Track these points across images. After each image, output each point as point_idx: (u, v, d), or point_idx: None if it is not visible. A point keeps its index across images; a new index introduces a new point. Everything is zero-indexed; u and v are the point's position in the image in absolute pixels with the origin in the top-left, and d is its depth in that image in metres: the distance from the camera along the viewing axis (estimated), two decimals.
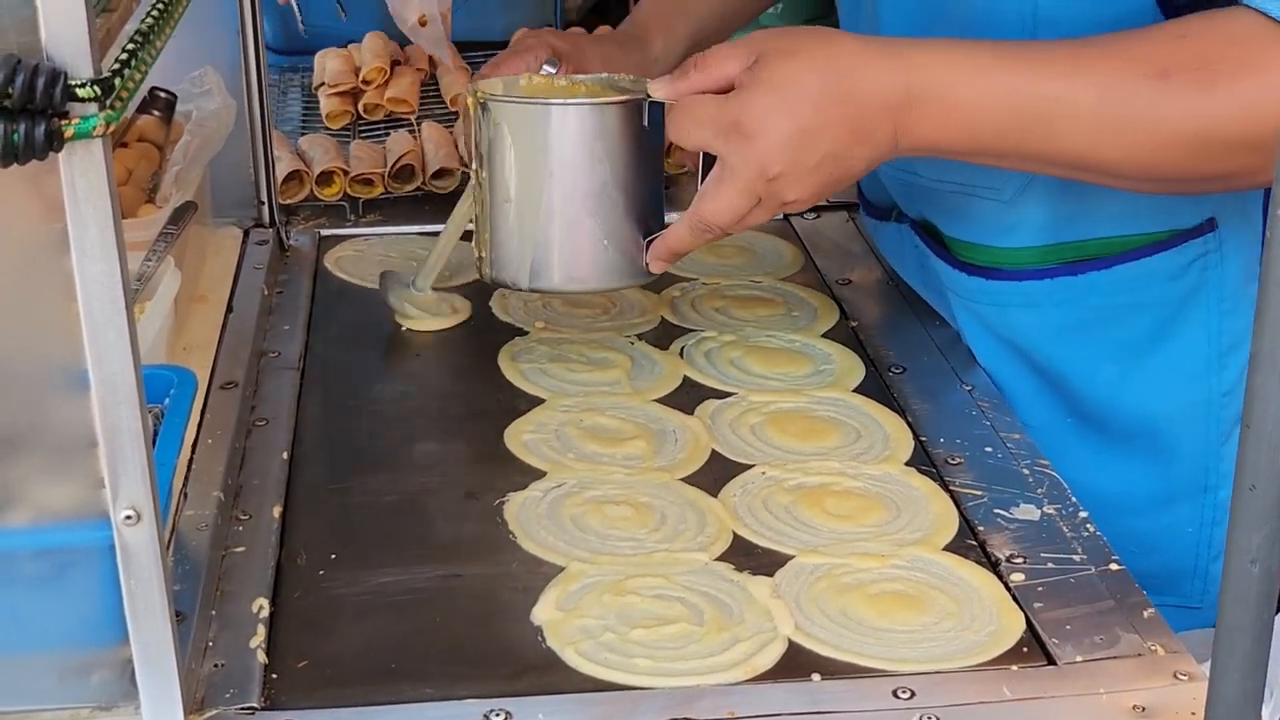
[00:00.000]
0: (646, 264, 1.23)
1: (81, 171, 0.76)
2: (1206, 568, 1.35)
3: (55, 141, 0.74)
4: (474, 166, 1.23)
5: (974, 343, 1.37)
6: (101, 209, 0.77)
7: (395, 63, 2.02)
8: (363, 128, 1.90)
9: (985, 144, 1.13)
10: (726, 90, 1.13)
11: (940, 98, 1.11)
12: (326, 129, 1.87)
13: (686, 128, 1.15)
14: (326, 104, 1.91)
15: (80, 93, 0.74)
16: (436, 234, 1.61)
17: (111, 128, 0.75)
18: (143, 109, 1.47)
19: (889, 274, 1.53)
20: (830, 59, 1.12)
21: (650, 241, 1.22)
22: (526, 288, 1.23)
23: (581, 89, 1.28)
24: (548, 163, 1.18)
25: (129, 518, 0.82)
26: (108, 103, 0.75)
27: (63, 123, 0.74)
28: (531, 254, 1.20)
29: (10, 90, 0.72)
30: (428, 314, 1.40)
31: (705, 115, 1.13)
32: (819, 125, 1.11)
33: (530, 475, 1.18)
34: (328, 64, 1.99)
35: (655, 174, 1.24)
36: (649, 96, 1.19)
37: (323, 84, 1.97)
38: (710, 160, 1.16)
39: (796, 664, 0.97)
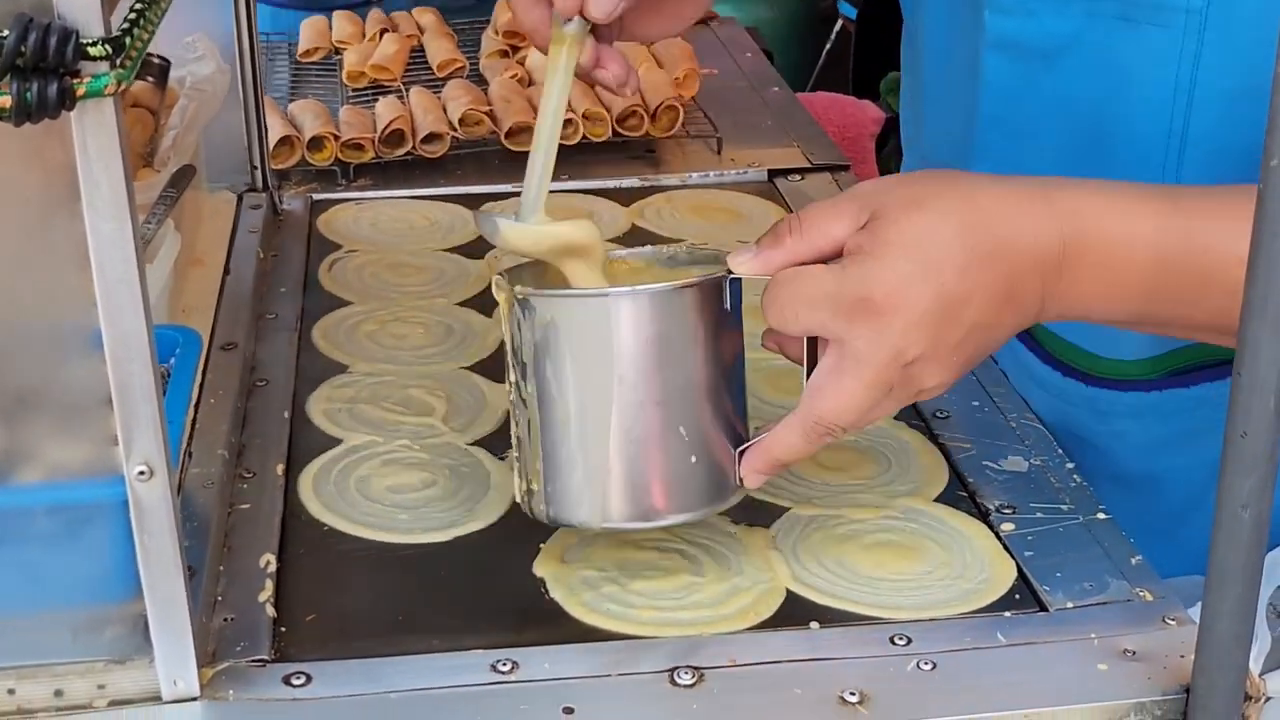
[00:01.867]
0: (740, 479, 0.99)
1: (93, 130, 0.77)
2: None
3: (68, 100, 0.75)
4: (512, 378, 0.98)
5: (1042, 415, 1.23)
6: (113, 167, 0.78)
7: (382, 30, 2.03)
8: (352, 95, 1.91)
9: (1136, 309, 0.97)
10: (833, 258, 0.94)
11: (1098, 252, 0.94)
12: (316, 95, 1.87)
13: (793, 309, 0.93)
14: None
15: (92, 51, 0.75)
16: (426, 198, 1.64)
17: (123, 86, 0.76)
18: (137, 74, 1.47)
19: None
20: (968, 209, 0.92)
21: (743, 451, 0.99)
22: (600, 527, 0.98)
23: (625, 265, 1.06)
24: (617, 368, 0.94)
25: (142, 473, 0.83)
26: (118, 61, 0.76)
27: (74, 81, 0.75)
28: (604, 485, 0.96)
29: (23, 49, 0.73)
30: None
31: (818, 292, 0.92)
32: (964, 293, 0.91)
33: None
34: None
35: (740, 367, 1.00)
36: (730, 273, 0.98)
37: (308, 50, 1.98)
38: (814, 347, 0.96)
39: (795, 613, 0.99)
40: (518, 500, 1.01)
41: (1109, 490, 1.15)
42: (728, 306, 0.97)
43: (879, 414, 0.96)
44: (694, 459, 0.97)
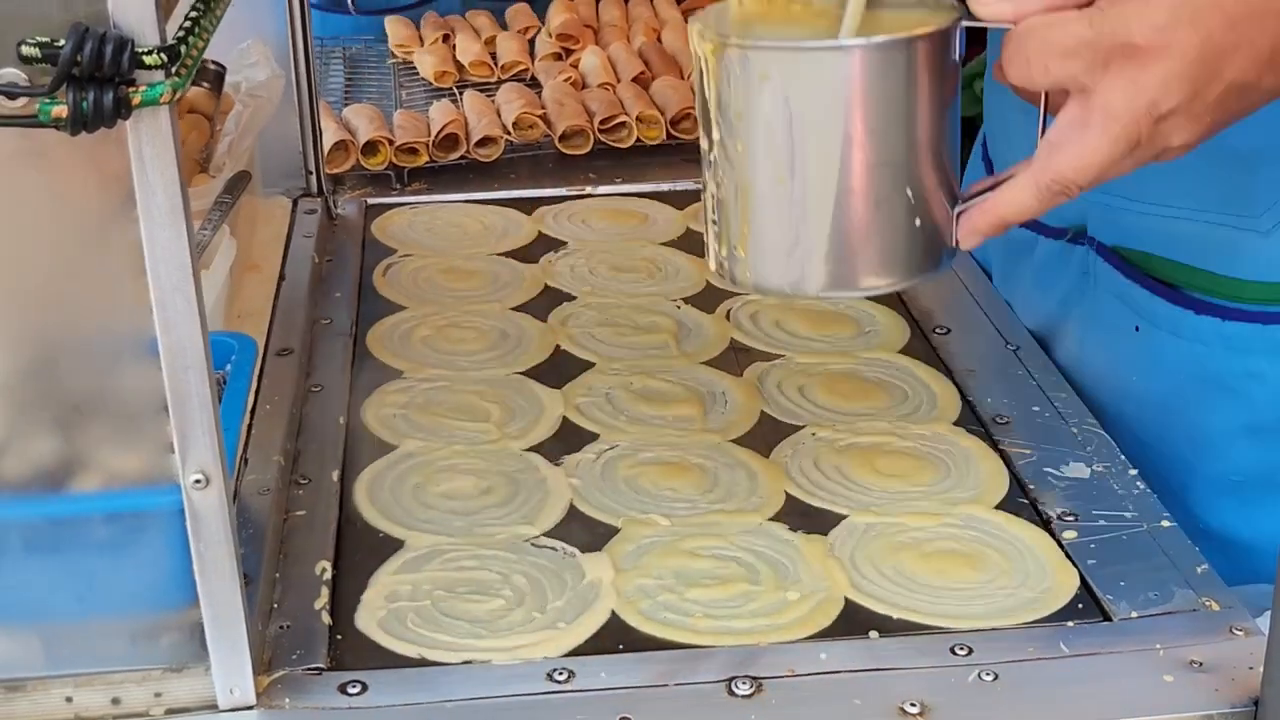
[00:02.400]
0: (957, 240, 0.95)
1: (149, 138, 0.77)
2: None
3: (123, 109, 0.75)
4: (715, 136, 0.92)
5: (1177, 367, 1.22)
6: (168, 175, 0.78)
7: (444, 34, 2.04)
8: (406, 100, 1.92)
9: None
10: (1082, 5, 0.88)
11: None
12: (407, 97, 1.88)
13: (1043, 60, 0.88)
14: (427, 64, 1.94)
15: (147, 60, 0.75)
16: (481, 202, 1.64)
17: (178, 94, 0.76)
18: (193, 80, 1.48)
19: None
20: None
21: (961, 212, 0.94)
22: (814, 294, 0.93)
23: (832, 8, 0.93)
24: (846, 126, 0.87)
25: (198, 482, 0.83)
26: (174, 69, 0.76)
27: (130, 90, 0.75)
28: (820, 249, 0.90)
29: (79, 59, 0.73)
30: None
31: (1073, 40, 0.86)
32: (1230, 44, 0.86)
33: (583, 438, 1.18)
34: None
35: (957, 120, 0.93)
36: (966, 18, 0.90)
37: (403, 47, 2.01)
38: (1052, 102, 0.91)
39: (854, 622, 0.98)
40: (713, 268, 0.96)
41: (1245, 444, 1.13)
42: (956, 57, 0.90)
43: (1117, 172, 0.90)
44: (916, 221, 0.90)
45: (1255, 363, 1.20)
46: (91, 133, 0.75)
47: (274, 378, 1.22)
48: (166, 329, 0.80)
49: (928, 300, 1.42)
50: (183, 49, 0.77)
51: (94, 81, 0.74)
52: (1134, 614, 0.98)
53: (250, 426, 1.13)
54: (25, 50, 0.73)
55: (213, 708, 0.88)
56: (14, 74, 0.74)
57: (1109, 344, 1.28)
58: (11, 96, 0.74)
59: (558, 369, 1.30)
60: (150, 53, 0.75)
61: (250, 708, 0.88)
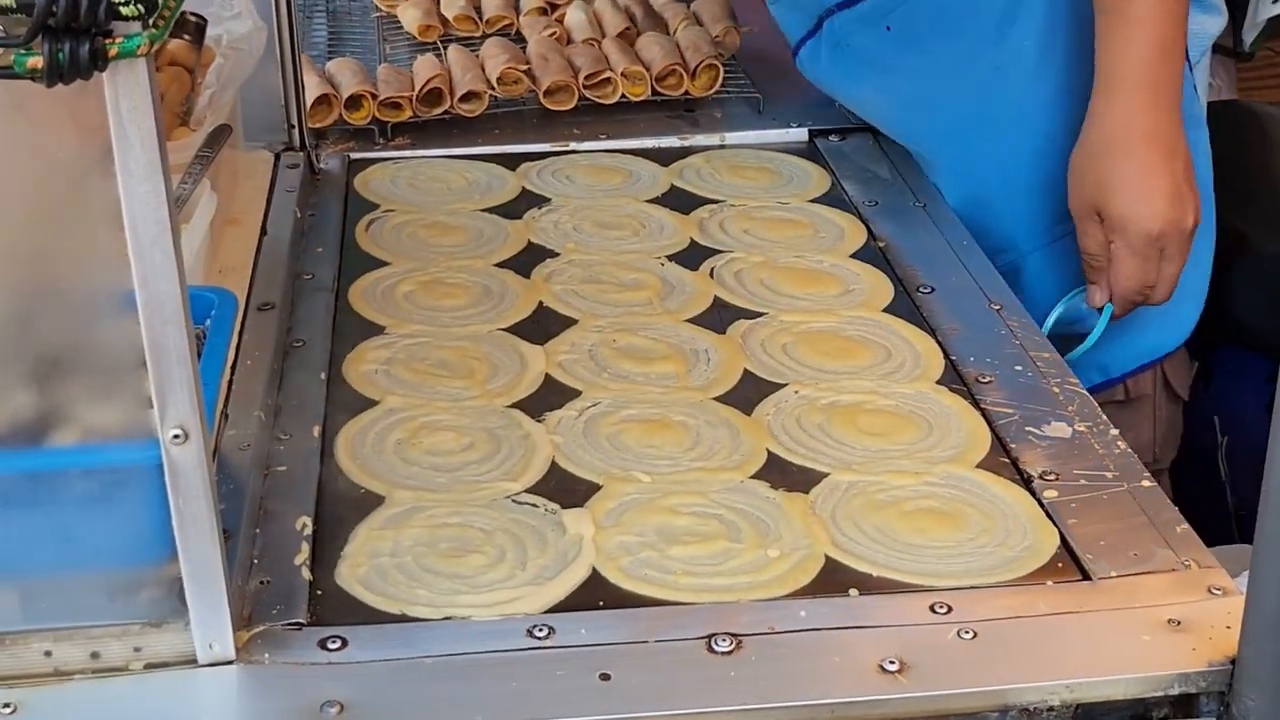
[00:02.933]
0: None
1: (125, 91, 0.76)
2: None
3: (99, 60, 0.74)
4: None
5: None
6: (146, 128, 0.77)
7: None
8: (389, 54, 1.91)
9: None
10: None
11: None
12: (389, 51, 1.86)
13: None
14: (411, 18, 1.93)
15: (124, 11, 0.74)
16: (464, 157, 1.63)
17: (155, 46, 0.75)
18: (174, 33, 1.46)
19: (914, 195, 1.53)
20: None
21: None
22: None
23: None
24: None
25: (177, 437, 0.83)
26: (150, 21, 0.75)
27: (106, 42, 0.74)
28: None
29: (55, 9, 0.72)
30: None
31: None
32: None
33: (566, 394, 1.18)
34: None
35: None
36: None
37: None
38: None
39: (834, 580, 0.98)
40: None
41: None
42: None
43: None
44: None
45: None
46: (68, 84, 0.74)
47: (255, 333, 1.21)
48: (145, 283, 0.80)
49: (912, 259, 1.41)
50: (160, 0, 0.76)
51: (70, 32, 0.73)
52: (1113, 573, 0.98)
53: (231, 382, 1.13)
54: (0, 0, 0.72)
55: (192, 662, 0.88)
56: None
57: None
58: None
59: (541, 325, 1.29)
60: (127, 3, 0.74)
61: (229, 662, 0.88)
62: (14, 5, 0.72)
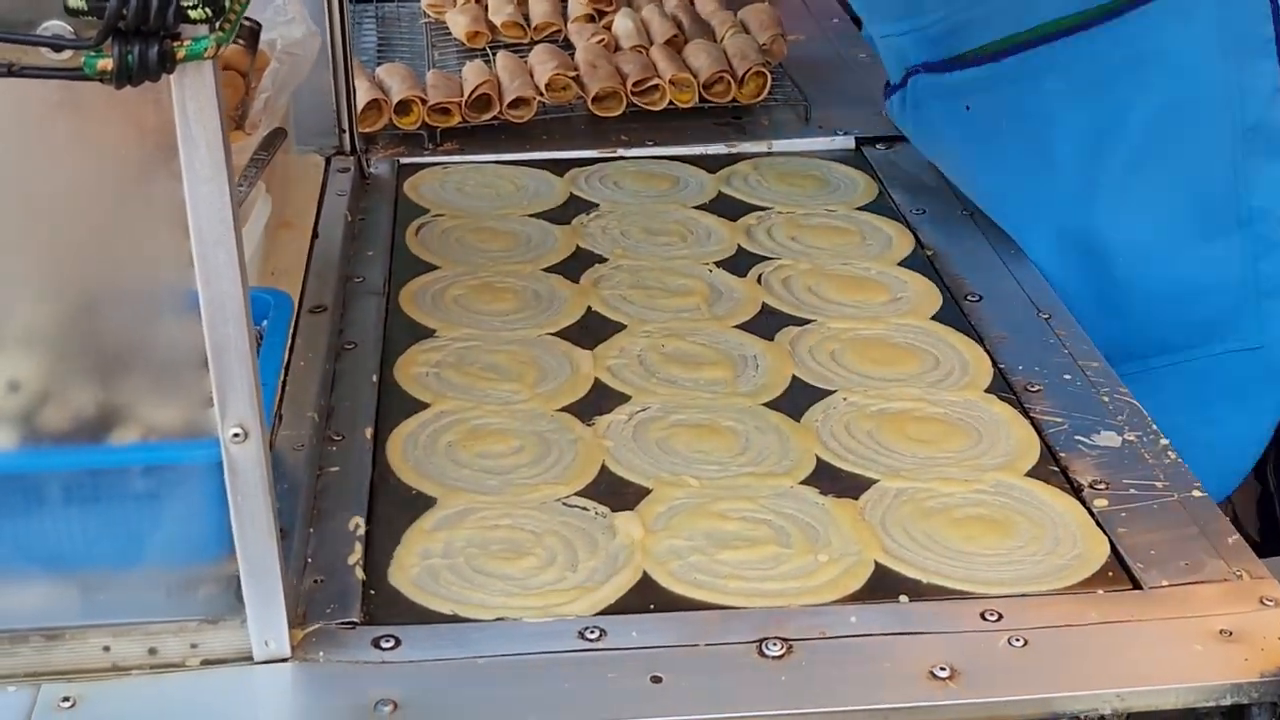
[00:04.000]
0: None
1: (192, 92, 0.77)
2: (1257, 304, 1.33)
3: (168, 63, 0.75)
4: None
5: None
6: (211, 129, 0.78)
7: None
8: (438, 60, 1.92)
9: None
10: None
11: None
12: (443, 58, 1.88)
13: None
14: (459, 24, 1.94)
15: (192, 14, 0.75)
16: (513, 163, 1.64)
17: (222, 49, 0.76)
18: None
19: (962, 203, 1.53)
20: None
21: None
22: None
23: None
24: None
25: (237, 435, 0.84)
26: (217, 24, 0.76)
27: (175, 44, 0.75)
28: None
29: (125, 11, 0.73)
30: None
31: None
32: None
33: (615, 399, 1.19)
34: None
35: None
36: None
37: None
38: None
39: (884, 586, 0.98)
40: None
41: None
42: None
43: None
44: None
45: None
46: (136, 86, 0.75)
47: (308, 335, 1.22)
48: (207, 283, 0.81)
49: (959, 268, 1.41)
50: (226, 3, 0.77)
51: (139, 35, 0.74)
52: (1164, 582, 0.98)
53: (285, 383, 1.13)
54: (72, 3, 0.73)
55: (248, 659, 0.89)
56: (60, 26, 0.74)
57: None
58: (57, 49, 0.74)
59: (589, 330, 1.30)
60: (195, 7, 0.75)
61: (285, 660, 0.89)
62: (85, 7, 0.73)
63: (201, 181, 0.79)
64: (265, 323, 1.03)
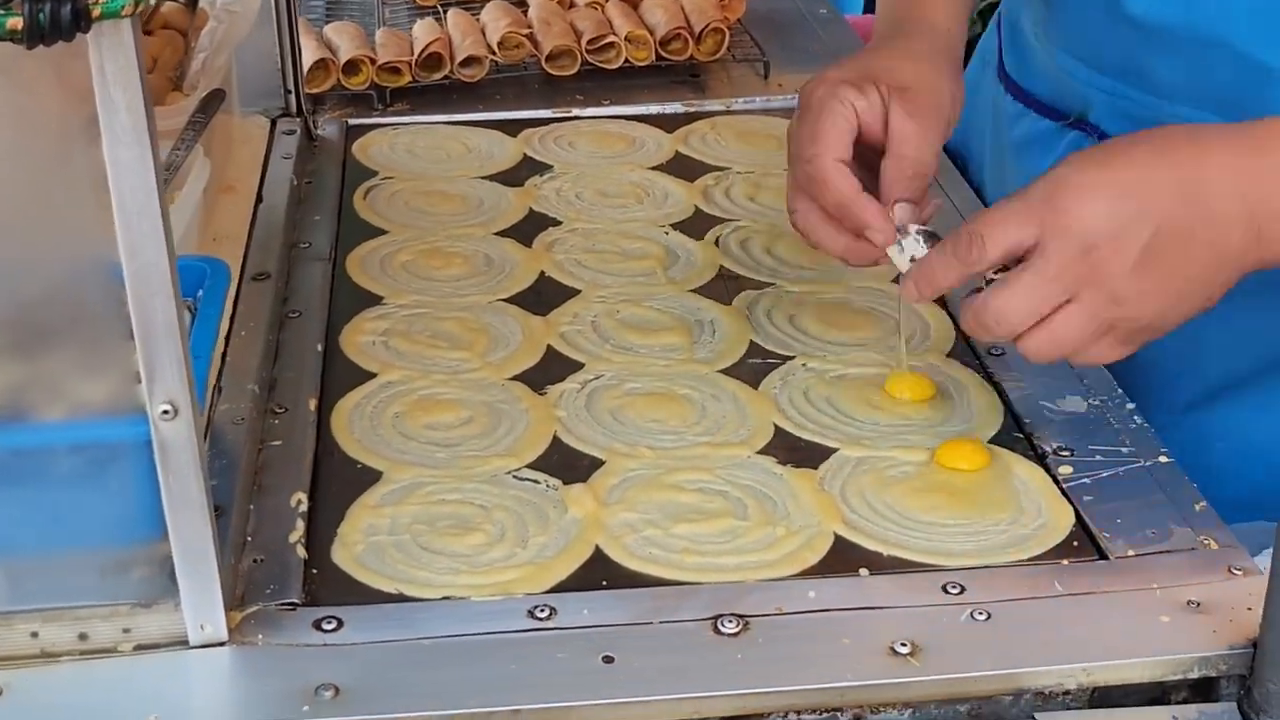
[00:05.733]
0: None
1: (110, 53, 0.73)
2: None
3: (82, 21, 0.71)
4: None
5: None
6: (132, 92, 0.74)
7: None
8: (389, 18, 1.87)
9: None
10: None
11: None
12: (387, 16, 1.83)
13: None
14: None
15: None
16: (465, 123, 1.60)
17: (140, 7, 0.72)
18: None
19: None
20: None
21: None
22: None
23: None
24: None
25: (166, 412, 0.80)
26: None
27: (90, 2, 0.71)
28: None
29: None
30: None
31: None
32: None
33: (568, 366, 1.15)
34: None
35: None
36: None
37: None
38: None
39: (844, 559, 0.96)
40: None
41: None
42: None
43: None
44: None
45: None
46: (49, 46, 0.71)
47: (250, 303, 1.18)
48: (132, 253, 0.77)
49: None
50: None
51: None
52: (1130, 552, 0.96)
53: (225, 354, 1.10)
54: None
55: (183, 644, 0.86)
56: None
57: None
58: None
59: (542, 296, 1.26)
60: None
61: (222, 644, 0.86)
62: None
63: (122, 147, 0.75)
64: (201, 292, 0.99)
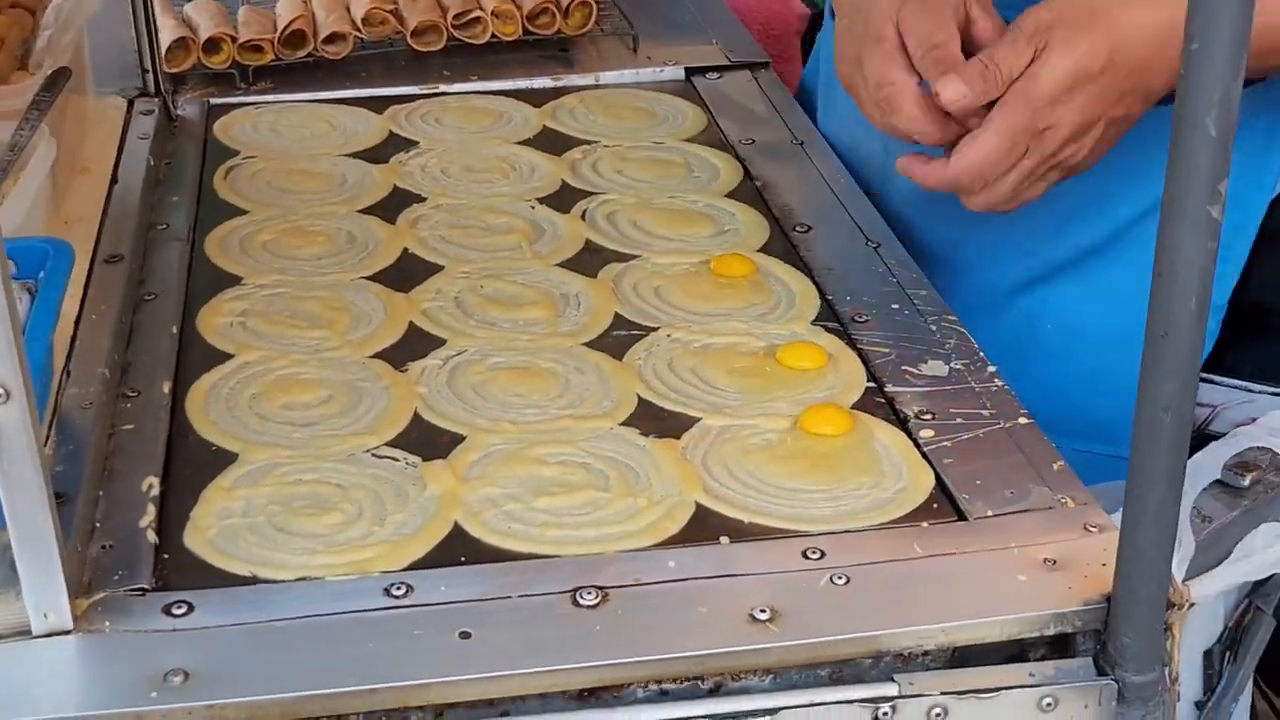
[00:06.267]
0: None
1: None
2: None
3: None
4: None
5: None
6: None
7: None
8: None
9: None
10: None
11: None
12: None
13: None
14: None
15: None
16: (329, 101, 1.57)
17: None
18: None
19: (793, 133, 1.50)
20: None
21: None
22: None
23: None
24: None
25: None
26: None
27: None
28: None
29: None
30: None
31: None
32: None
33: (430, 343, 1.14)
34: None
35: None
36: None
37: None
38: None
39: (705, 527, 0.95)
40: None
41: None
42: None
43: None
44: None
45: None
46: None
47: (102, 286, 1.15)
48: None
49: (789, 197, 1.38)
50: None
51: None
52: (989, 513, 0.96)
53: (74, 338, 1.07)
54: None
55: (26, 634, 0.83)
56: None
57: None
58: None
59: (406, 273, 1.25)
60: None
61: (67, 632, 0.84)
62: None
63: None
64: (42, 274, 0.96)
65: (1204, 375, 1.26)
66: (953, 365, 1.12)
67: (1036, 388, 1.12)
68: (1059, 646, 0.89)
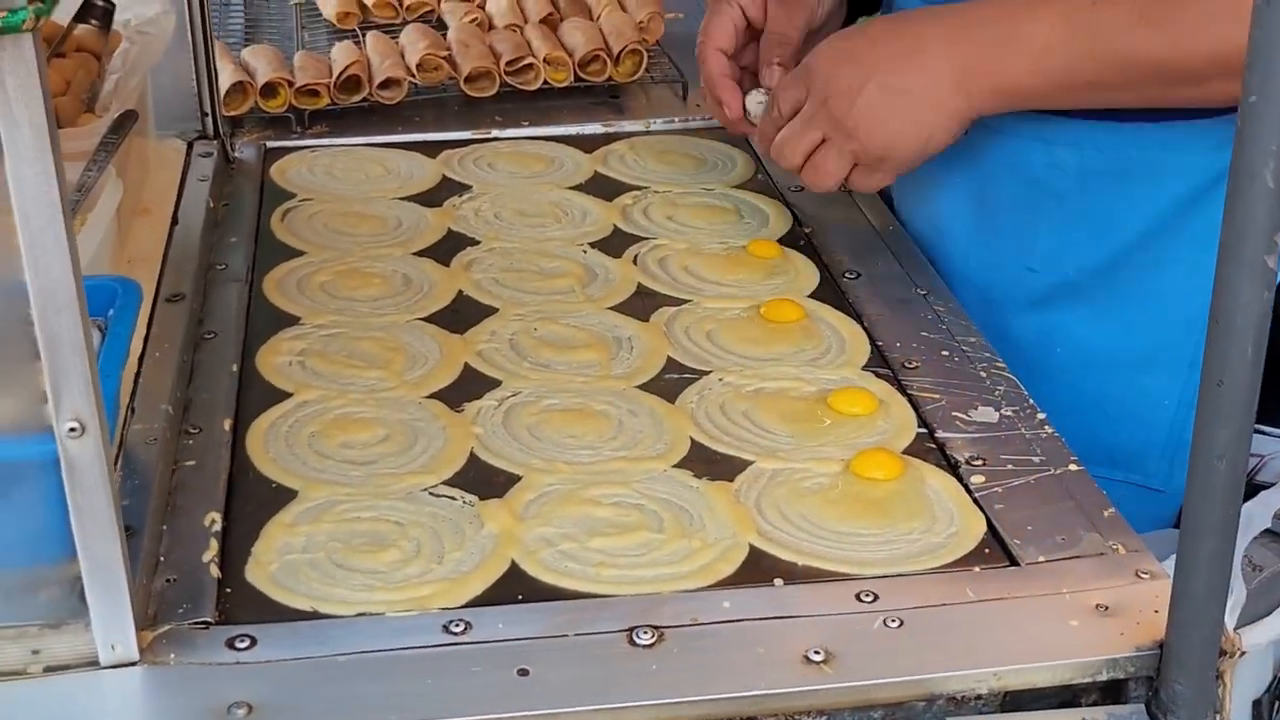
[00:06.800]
0: None
1: (11, 68, 0.73)
2: (1175, 450, 1.30)
3: None
4: None
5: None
6: (34, 107, 0.74)
7: None
8: (307, 41, 1.87)
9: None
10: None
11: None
12: (318, 37, 1.83)
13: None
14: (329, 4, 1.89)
15: None
16: (384, 145, 1.60)
17: (42, 21, 0.72)
18: (80, 18, 1.43)
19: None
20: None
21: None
22: None
23: None
24: None
25: (73, 430, 0.79)
26: None
27: None
28: None
29: None
30: None
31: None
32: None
33: (485, 384, 1.16)
34: None
35: None
36: None
37: None
38: None
39: (758, 569, 0.96)
40: None
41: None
42: None
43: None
44: None
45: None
46: None
47: (164, 324, 1.18)
48: (36, 271, 0.77)
49: (838, 245, 1.40)
50: None
51: None
52: (1041, 559, 0.97)
53: (138, 375, 1.09)
54: None
55: (94, 664, 0.85)
56: None
57: None
58: None
59: (460, 315, 1.26)
60: None
61: (133, 664, 0.85)
62: None
63: (25, 164, 0.74)
64: (111, 312, 0.98)
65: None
66: (1003, 412, 1.13)
67: (1047, 411, 1.13)
68: (1111, 692, 0.90)
